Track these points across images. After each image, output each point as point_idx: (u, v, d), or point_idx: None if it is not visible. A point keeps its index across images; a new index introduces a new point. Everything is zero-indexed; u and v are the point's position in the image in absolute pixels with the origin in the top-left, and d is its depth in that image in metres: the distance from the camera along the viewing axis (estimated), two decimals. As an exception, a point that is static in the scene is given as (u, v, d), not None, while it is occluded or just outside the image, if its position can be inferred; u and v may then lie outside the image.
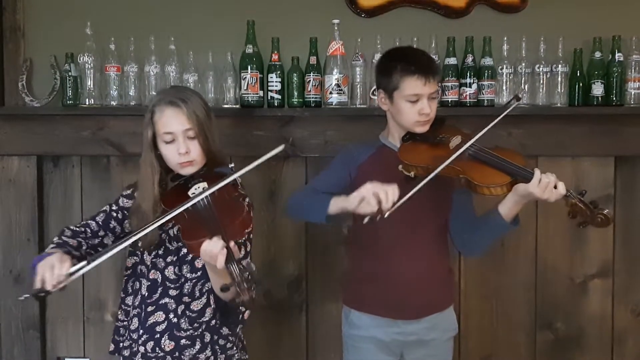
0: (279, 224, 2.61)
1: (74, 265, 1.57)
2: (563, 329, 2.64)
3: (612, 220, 1.72)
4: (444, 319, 2.03)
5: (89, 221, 1.84)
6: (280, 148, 1.63)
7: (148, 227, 1.62)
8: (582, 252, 2.62)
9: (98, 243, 1.82)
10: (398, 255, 1.94)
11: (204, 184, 1.68)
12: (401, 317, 1.97)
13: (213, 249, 1.48)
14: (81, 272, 1.57)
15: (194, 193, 1.66)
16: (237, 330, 1.83)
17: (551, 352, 2.65)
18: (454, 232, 2.02)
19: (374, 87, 2.41)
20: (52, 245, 1.72)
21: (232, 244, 1.51)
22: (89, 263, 1.57)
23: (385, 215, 1.66)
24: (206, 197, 1.62)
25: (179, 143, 1.72)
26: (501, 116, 1.87)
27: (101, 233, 1.83)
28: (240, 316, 1.74)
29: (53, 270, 1.54)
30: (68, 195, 2.66)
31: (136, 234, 1.63)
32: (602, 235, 2.59)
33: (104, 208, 1.87)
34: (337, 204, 1.78)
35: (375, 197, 1.66)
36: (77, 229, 1.81)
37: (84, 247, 1.77)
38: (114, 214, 1.84)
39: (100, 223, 1.83)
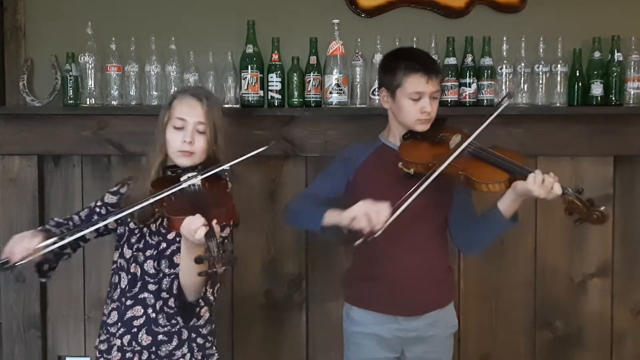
0: (279, 224, 2.62)
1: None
2: (562, 328, 2.65)
3: (608, 217, 1.74)
4: (444, 315, 2.04)
5: (73, 215, 1.88)
6: (265, 147, 1.72)
7: (131, 208, 1.66)
8: (581, 252, 2.63)
9: (79, 237, 1.81)
10: (398, 252, 1.96)
11: (195, 173, 1.73)
12: (402, 314, 1.98)
13: (195, 221, 1.52)
14: (51, 247, 1.60)
15: (184, 180, 1.70)
16: (190, 323, 1.82)
17: (550, 351, 2.65)
18: (454, 230, 2.04)
19: (374, 86, 2.44)
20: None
21: (215, 222, 1.53)
22: (61, 239, 1.61)
23: (377, 235, 1.69)
24: (197, 185, 1.67)
25: (186, 131, 1.76)
26: (496, 112, 1.89)
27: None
28: (197, 309, 1.75)
29: (22, 242, 1.59)
30: (69, 194, 2.67)
31: (118, 213, 1.69)
32: (602, 234, 2.60)
33: (90, 204, 1.91)
34: (331, 218, 1.80)
35: (365, 217, 1.69)
36: (62, 220, 1.86)
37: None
38: (97, 210, 1.88)
39: (83, 218, 1.87)
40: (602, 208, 1.72)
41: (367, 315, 2.02)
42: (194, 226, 1.51)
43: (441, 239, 2.04)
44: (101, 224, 1.74)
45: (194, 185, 1.67)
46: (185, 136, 1.76)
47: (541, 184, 1.73)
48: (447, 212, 2.02)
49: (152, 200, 1.64)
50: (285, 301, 2.65)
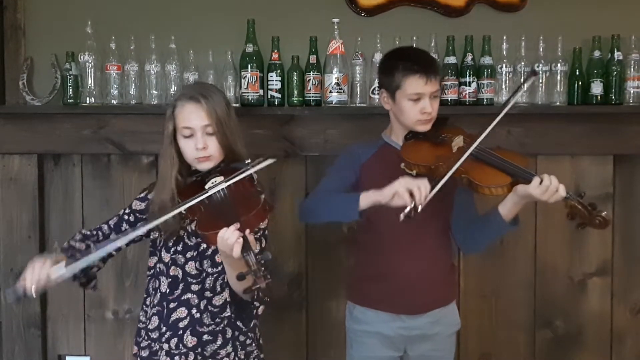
0: (280, 223, 2.61)
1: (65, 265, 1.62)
2: (562, 328, 2.65)
3: (610, 222, 1.73)
4: (447, 313, 2.05)
5: (102, 225, 1.87)
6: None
7: (161, 218, 1.64)
8: (581, 251, 2.63)
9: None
10: (402, 252, 1.96)
11: (220, 178, 1.70)
12: (405, 312, 1.98)
13: (229, 237, 1.50)
14: (65, 275, 1.60)
15: (210, 187, 1.67)
16: (251, 325, 1.83)
17: (550, 351, 2.65)
18: (456, 230, 2.04)
19: (374, 86, 2.44)
20: (58, 250, 1.77)
21: (247, 232, 1.53)
22: (67, 264, 1.61)
23: (419, 210, 1.67)
24: (222, 189, 1.64)
25: (197, 138, 1.74)
26: (524, 89, 1.88)
27: (113, 236, 1.85)
28: (255, 311, 1.75)
29: (35, 269, 1.60)
30: (69, 193, 2.67)
31: (145, 225, 1.67)
32: (601, 234, 2.58)
33: (119, 212, 1.89)
34: (368, 199, 1.78)
35: (408, 191, 1.68)
36: (89, 232, 1.85)
37: (92, 251, 1.80)
38: (126, 217, 1.86)
39: (112, 226, 1.86)
40: (603, 213, 1.72)
41: (370, 314, 2.02)
42: (229, 242, 1.50)
43: (444, 238, 2.05)
44: (124, 239, 1.69)
45: (219, 191, 1.64)
46: (197, 143, 1.73)
47: (545, 188, 1.72)
48: (449, 212, 2.02)
49: (180, 209, 1.63)
50: (286, 300, 2.65)
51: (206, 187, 1.68)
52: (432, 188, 1.71)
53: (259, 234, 1.79)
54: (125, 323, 2.67)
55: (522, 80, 2.42)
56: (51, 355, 2.71)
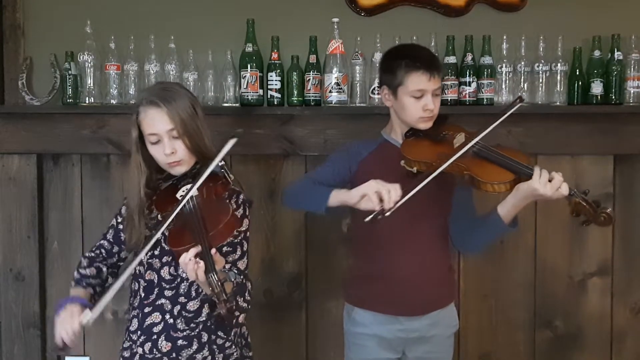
0: (279, 222, 2.62)
1: (89, 307, 1.65)
2: (562, 327, 2.65)
3: (614, 219, 1.72)
4: (445, 315, 2.04)
5: (101, 241, 1.87)
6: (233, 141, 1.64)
7: (145, 248, 1.64)
8: (581, 251, 2.62)
9: (117, 260, 1.87)
10: (399, 252, 1.95)
11: (192, 185, 1.67)
12: (403, 314, 1.97)
13: (189, 264, 1.50)
14: (94, 316, 1.62)
15: (181, 195, 1.64)
16: (232, 333, 1.81)
17: (550, 351, 2.65)
18: (453, 231, 2.03)
19: (374, 85, 2.44)
20: (72, 284, 1.78)
21: (213, 251, 1.50)
22: (92, 306, 1.64)
23: (387, 214, 1.66)
24: (192, 200, 1.62)
25: (164, 143, 1.70)
26: (505, 116, 1.87)
27: (115, 249, 1.85)
28: (235, 320, 1.70)
29: (65, 325, 1.62)
30: (68, 193, 2.67)
31: (132, 260, 1.67)
32: (601, 233, 2.59)
33: (111, 222, 1.87)
34: (337, 198, 1.78)
35: (377, 195, 1.67)
36: (93, 254, 1.85)
37: (104, 271, 1.83)
38: (120, 226, 1.85)
39: (111, 240, 1.86)
40: (608, 210, 1.71)
41: (368, 316, 2.01)
42: (189, 269, 1.49)
43: (442, 239, 2.03)
44: (124, 277, 1.67)
45: (189, 203, 1.62)
46: (165, 149, 1.70)
47: (547, 182, 1.71)
48: (448, 212, 2.01)
49: (169, 224, 1.62)
50: (285, 300, 2.65)
51: (178, 195, 1.66)
52: (404, 195, 1.69)
53: (239, 237, 1.76)
54: (125, 323, 2.65)
55: (519, 85, 2.45)
56: (50, 355, 2.71)
